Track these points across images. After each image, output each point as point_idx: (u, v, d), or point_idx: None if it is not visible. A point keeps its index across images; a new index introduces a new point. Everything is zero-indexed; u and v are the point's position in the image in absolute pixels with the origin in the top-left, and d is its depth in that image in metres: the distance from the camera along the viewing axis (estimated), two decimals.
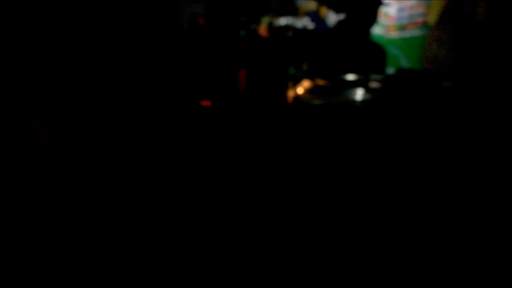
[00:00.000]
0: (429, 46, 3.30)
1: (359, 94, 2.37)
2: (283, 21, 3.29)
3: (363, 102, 2.35)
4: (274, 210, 2.01)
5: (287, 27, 3.27)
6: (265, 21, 3.23)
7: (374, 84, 2.34)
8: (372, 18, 3.06)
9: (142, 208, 1.97)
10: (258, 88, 2.68)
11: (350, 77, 2.47)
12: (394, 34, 3.51)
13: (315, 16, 3.39)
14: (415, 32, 3.39)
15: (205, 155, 2.21)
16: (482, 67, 2.75)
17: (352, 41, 2.92)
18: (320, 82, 2.50)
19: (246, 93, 2.66)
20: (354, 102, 2.37)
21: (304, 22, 3.33)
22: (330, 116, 2.28)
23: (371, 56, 2.94)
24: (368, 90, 2.34)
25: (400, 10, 3.50)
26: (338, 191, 2.06)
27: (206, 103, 2.41)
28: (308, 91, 2.48)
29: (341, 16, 3.08)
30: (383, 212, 1.99)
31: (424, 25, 3.31)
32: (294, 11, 3.41)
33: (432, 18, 3.26)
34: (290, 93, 2.56)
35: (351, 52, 2.85)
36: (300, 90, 2.51)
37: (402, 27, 3.48)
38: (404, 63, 3.43)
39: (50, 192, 1.96)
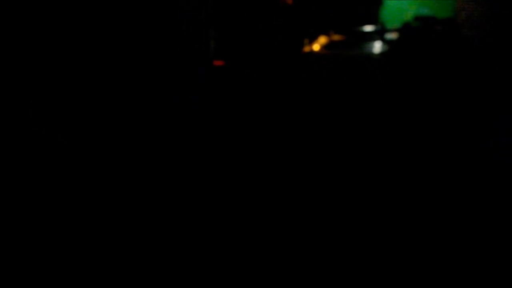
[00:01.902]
0: (461, 6, 3.14)
1: (376, 46, 2.30)
2: None
3: (380, 53, 2.28)
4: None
5: None
6: None
7: (391, 35, 2.26)
8: None
9: (146, 198, 1.91)
10: (277, 48, 2.66)
11: (367, 28, 2.40)
12: None
13: None
14: None
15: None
16: None
17: None
18: (336, 37, 2.45)
19: (263, 55, 2.66)
20: (370, 54, 2.30)
21: None
22: (345, 68, 2.23)
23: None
24: (385, 41, 2.27)
25: None
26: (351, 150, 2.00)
27: (218, 62, 2.44)
28: (324, 46, 2.44)
29: None
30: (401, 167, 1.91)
31: None
32: None
33: None
34: (306, 49, 2.53)
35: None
36: (316, 47, 2.47)
37: None
38: None
39: (51, 190, 1.94)
